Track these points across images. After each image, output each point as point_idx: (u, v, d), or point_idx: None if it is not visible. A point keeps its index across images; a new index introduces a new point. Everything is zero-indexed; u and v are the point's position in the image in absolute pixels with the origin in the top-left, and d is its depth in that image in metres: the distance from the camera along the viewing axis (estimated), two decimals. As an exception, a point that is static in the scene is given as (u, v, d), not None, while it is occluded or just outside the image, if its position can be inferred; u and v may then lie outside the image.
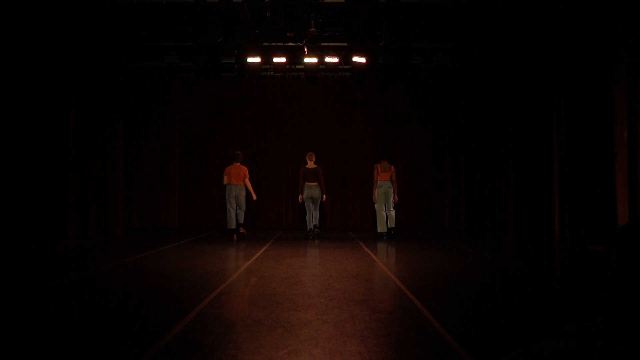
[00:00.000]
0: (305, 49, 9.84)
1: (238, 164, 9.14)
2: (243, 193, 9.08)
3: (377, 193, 9.07)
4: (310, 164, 9.21)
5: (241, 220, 9.18)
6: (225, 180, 9.13)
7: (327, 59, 9.98)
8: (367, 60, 9.74)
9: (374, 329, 3.07)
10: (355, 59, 9.71)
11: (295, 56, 10.01)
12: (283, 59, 9.94)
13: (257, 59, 9.80)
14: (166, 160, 11.68)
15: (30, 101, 7.54)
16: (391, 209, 9.07)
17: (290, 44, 9.83)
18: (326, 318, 3.31)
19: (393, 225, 9.08)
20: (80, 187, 9.00)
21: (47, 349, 2.76)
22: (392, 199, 9.06)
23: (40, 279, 4.95)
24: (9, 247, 6.92)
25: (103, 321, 3.36)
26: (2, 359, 2.59)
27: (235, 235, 9.18)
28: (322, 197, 9.18)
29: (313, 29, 8.58)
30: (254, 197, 9.30)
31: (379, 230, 9.11)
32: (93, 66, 9.30)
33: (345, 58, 10.03)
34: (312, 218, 9.35)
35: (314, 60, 9.91)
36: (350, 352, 2.63)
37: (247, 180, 9.14)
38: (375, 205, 9.17)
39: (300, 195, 9.24)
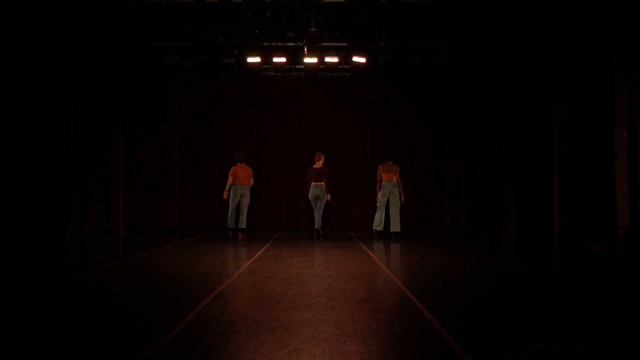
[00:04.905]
0: (305, 49, 9.84)
1: (244, 164, 9.10)
2: (248, 193, 9.03)
3: (382, 194, 9.05)
4: (318, 164, 9.19)
5: (243, 226, 9.04)
6: (231, 180, 8.99)
7: (327, 59, 9.97)
8: (367, 60, 9.74)
9: (374, 329, 3.07)
10: (355, 59, 9.71)
11: (295, 56, 10.01)
12: (283, 59, 9.93)
13: (257, 59, 9.80)
14: (166, 160, 11.68)
15: (30, 101, 7.55)
16: (397, 210, 8.96)
17: (290, 44, 9.83)
18: (326, 318, 3.31)
19: (398, 230, 8.94)
20: (80, 187, 9.00)
21: (46, 349, 2.76)
22: (397, 199, 9.00)
23: (40, 279, 4.95)
24: (9, 246, 6.92)
25: (103, 321, 3.36)
26: (1, 359, 2.59)
27: (241, 234, 9.05)
28: (326, 197, 9.13)
29: (313, 29, 8.57)
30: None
31: (373, 227, 9.12)
32: (93, 66, 9.31)
33: (345, 58, 10.03)
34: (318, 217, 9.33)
35: (314, 60, 9.91)
36: (350, 352, 2.63)
37: (252, 180, 9.08)
38: (377, 204, 9.15)
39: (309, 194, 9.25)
